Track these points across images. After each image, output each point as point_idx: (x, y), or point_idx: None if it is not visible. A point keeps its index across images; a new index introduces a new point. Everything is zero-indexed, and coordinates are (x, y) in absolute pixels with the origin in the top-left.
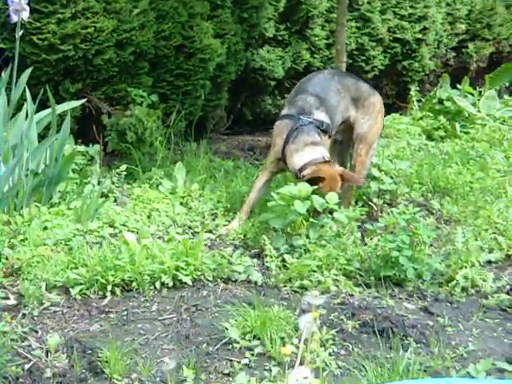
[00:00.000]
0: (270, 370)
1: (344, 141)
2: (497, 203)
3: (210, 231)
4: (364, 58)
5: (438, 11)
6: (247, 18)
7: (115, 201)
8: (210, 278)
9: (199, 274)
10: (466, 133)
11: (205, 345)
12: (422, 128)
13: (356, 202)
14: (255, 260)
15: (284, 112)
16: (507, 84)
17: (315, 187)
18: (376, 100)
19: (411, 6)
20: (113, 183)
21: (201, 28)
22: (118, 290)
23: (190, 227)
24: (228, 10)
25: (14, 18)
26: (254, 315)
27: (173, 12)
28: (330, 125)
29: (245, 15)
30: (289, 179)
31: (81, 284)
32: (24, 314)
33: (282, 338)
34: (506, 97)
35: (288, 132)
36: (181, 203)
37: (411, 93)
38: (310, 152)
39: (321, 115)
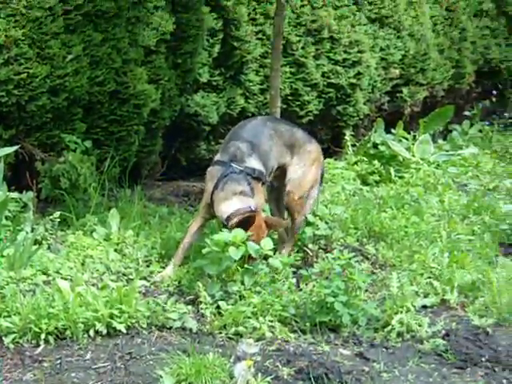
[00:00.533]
0: None
1: (280, 187)
2: (432, 247)
3: (145, 278)
4: (298, 103)
5: (372, 56)
6: (181, 63)
7: (49, 248)
8: (145, 326)
9: (133, 321)
10: (401, 177)
11: None
12: (357, 172)
13: None
14: (190, 307)
15: (217, 158)
16: (441, 128)
17: (249, 233)
18: (312, 148)
19: (345, 51)
20: (46, 230)
21: (134, 74)
22: (51, 339)
23: (124, 274)
24: (162, 56)
25: None
26: (189, 363)
27: (106, 58)
28: (262, 171)
29: (179, 61)
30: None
31: (14, 332)
32: None
33: None
34: (440, 141)
35: (218, 178)
36: (115, 250)
37: (346, 137)
38: (237, 202)
39: (253, 162)
